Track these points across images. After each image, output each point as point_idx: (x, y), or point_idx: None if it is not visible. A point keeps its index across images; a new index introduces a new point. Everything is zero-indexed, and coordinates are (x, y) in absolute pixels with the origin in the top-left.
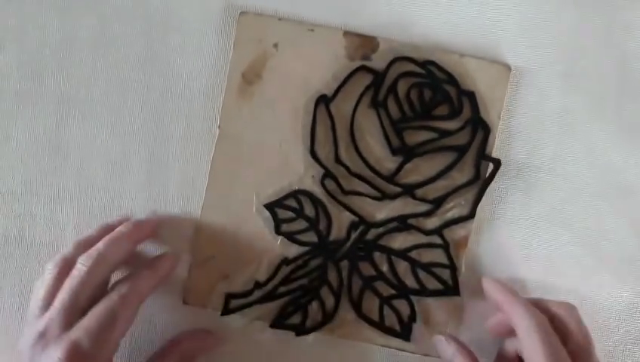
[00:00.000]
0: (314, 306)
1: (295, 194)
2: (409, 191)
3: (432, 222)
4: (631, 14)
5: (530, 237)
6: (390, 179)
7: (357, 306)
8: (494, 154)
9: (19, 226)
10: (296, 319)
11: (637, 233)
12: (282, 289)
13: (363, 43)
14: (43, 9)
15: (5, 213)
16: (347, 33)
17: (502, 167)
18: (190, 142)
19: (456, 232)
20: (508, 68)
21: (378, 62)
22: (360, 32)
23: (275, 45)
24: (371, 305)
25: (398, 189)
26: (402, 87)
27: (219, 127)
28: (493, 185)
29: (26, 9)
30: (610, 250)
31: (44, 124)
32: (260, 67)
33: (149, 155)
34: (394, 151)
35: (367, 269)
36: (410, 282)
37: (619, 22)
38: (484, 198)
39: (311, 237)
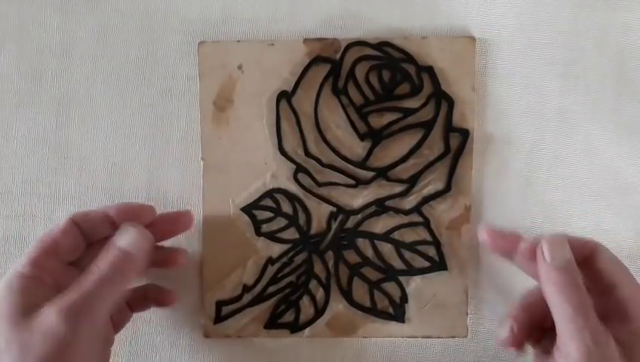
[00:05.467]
0: (305, 301)
1: (270, 193)
2: (382, 173)
3: (409, 202)
4: (629, 14)
5: None
6: (362, 164)
7: (347, 295)
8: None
9: (19, 226)
10: (289, 317)
11: (637, 233)
12: (271, 289)
13: (324, 46)
14: (43, 9)
15: (5, 213)
16: (307, 40)
17: (502, 169)
18: (190, 142)
19: (435, 208)
20: (472, 39)
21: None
22: (319, 36)
23: (240, 67)
24: (361, 292)
25: (372, 173)
26: (360, 72)
27: (202, 158)
28: (492, 185)
29: (26, 9)
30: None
31: (44, 124)
32: (230, 91)
33: (149, 155)
34: (362, 137)
35: (352, 257)
36: (397, 263)
37: (617, 22)
38: (484, 200)
39: (292, 233)
